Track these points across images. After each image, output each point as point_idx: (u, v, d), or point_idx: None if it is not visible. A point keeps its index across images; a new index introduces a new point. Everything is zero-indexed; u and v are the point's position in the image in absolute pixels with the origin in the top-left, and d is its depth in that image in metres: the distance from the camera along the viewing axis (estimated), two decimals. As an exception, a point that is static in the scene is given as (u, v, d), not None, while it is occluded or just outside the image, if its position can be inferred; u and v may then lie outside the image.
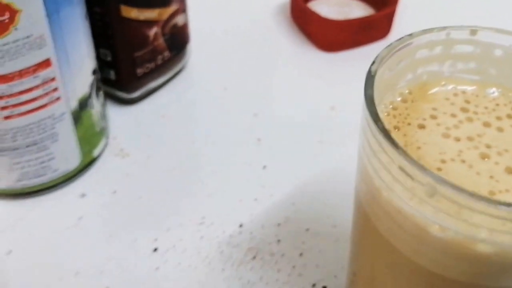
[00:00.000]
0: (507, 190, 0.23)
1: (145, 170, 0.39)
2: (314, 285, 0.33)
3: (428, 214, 0.21)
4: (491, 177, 0.24)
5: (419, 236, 0.23)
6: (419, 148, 0.25)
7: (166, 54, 0.43)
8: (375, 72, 0.24)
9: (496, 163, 0.24)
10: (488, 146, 0.25)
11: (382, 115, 0.26)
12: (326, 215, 0.36)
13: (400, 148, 0.21)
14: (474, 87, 0.28)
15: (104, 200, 0.38)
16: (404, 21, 0.51)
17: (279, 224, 0.36)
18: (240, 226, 0.36)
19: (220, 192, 0.38)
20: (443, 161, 0.24)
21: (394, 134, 0.25)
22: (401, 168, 0.21)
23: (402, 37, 0.26)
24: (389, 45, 0.26)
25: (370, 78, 0.24)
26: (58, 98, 0.34)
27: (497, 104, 0.27)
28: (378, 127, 0.22)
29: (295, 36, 0.51)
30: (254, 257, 0.34)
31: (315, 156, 0.40)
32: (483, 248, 0.21)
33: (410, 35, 0.26)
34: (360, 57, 0.45)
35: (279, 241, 0.35)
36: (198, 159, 0.40)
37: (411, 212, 0.22)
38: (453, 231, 0.21)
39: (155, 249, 0.35)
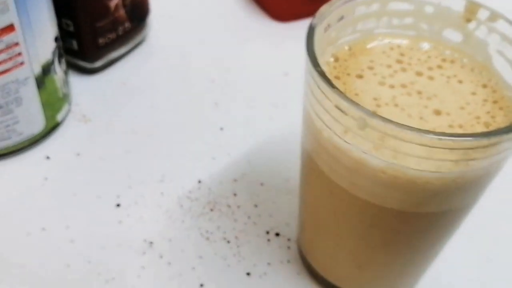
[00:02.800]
0: (434, 129, 0.26)
1: (107, 133, 0.41)
2: (267, 232, 0.36)
3: (362, 147, 0.24)
4: (421, 118, 0.26)
5: (355, 169, 0.25)
6: (357, 94, 0.27)
7: (127, 25, 0.45)
8: (315, 25, 0.26)
9: (426, 106, 0.27)
10: (419, 92, 0.27)
11: (323, 66, 0.28)
12: (279, 171, 0.39)
13: (335, 87, 0.24)
14: (408, 41, 0.30)
15: (68, 162, 0.39)
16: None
17: (235, 180, 0.38)
18: (199, 182, 0.38)
19: (179, 152, 0.40)
20: (378, 105, 0.27)
21: (334, 83, 0.28)
22: (337, 106, 0.24)
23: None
24: (329, 2, 0.28)
25: (310, 31, 0.26)
26: (22, 63, 0.36)
27: (429, 56, 0.30)
28: (317, 71, 0.24)
29: (251, 7, 0.53)
30: (212, 209, 0.37)
31: (269, 118, 0.43)
32: (412, 176, 0.24)
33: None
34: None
35: (235, 194, 0.38)
36: (157, 123, 0.42)
37: (347, 147, 0.25)
38: (384, 161, 0.24)
39: (118, 205, 0.37)
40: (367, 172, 0.25)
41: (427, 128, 0.26)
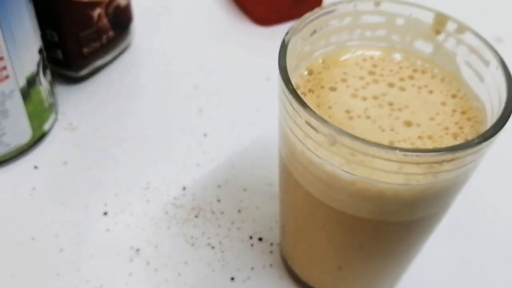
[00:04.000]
0: (404, 140, 0.27)
1: (93, 141, 0.42)
2: (251, 237, 0.37)
3: (333, 161, 0.25)
4: (392, 129, 0.27)
5: (328, 182, 0.26)
6: (330, 107, 0.28)
7: (110, 33, 0.45)
8: (288, 41, 0.27)
9: (397, 117, 0.28)
10: (390, 104, 0.28)
11: (297, 80, 0.29)
12: (262, 176, 0.40)
13: (306, 106, 0.24)
14: (380, 53, 0.31)
15: (56, 171, 0.40)
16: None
17: (219, 186, 0.39)
18: (184, 189, 0.39)
19: (164, 159, 0.41)
20: (351, 118, 0.28)
21: (308, 96, 0.29)
22: (308, 123, 0.25)
23: (314, 10, 0.30)
24: (302, 17, 0.29)
25: (283, 47, 0.27)
26: (7, 76, 0.37)
27: (401, 67, 0.31)
28: (289, 89, 0.25)
29: (233, 12, 0.54)
30: (196, 216, 0.38)
31: (252, 123, 0.44)
32: (382, 189, 0.25)
33: (321, 8, 0.30)
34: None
35: (219, 200, 0.39)
36: (142, 130, 0.43)
37: (320, 162, 0.25)
38: (355, 175, 0.25)
39: (105, 213, 0.38)
40: (339, 185, 0.26)
41: (397, 139, 0.27)
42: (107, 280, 0.35)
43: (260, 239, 0.37)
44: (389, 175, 0.24)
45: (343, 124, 0.27)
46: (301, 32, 0.29)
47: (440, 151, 0.23)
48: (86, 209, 0.38)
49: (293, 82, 0.26)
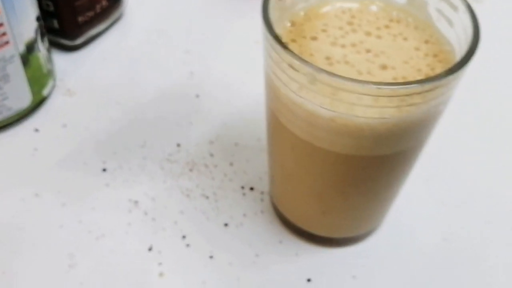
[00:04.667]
0: (389, 82, 0.29)
1: (91, 105, 0.44)
2: (242, 187, 0.39)
3: (314, 100, 0.27)
4: (369, 73, 0.29)
5: (310, 121, 0.28)
6: (311, 55, 0.30)
7: (104, 2, 0.47)
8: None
9: (373, 62, 0.30)
10: (368, 50, 0.31)
11: (281, 31, 0.31)
12: (252, 131, 0.42)
13: (288, 49, 0.27)
14: (358, 5, 0.33)
15: (56, 133, 0.42)
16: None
17: (211, 142, 0.42)
18: (178, 145, 0.41)
19: (159, 119, 0.43)
20: (331, 64, 0.30)
21: (291, 46, 0.31)
22: (290, 65, 0.27)
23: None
24: (283, -27, 0.31)
25: (265, 0, 0.29)
26: (7, 42, 0.39)
27: (377, 18, 0.33)
28: (272, 35, 0.27)
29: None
30: (190, 170, 0.40)
31: (242, 84, 0.46)
32: (359, 123, 0.27)
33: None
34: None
35: (212, 155, 0.41)
36: (138, 94, 0.45)
37: (302, 101, 0.28)
38: (334, 111, 0.27)
39: (104, 169, 0.40)
40: (321, 122, 0.28)
41: (374, 81, 0.29)
42: (108, 230, 0.37)
43: (251, 188, 0.39)
44: (365, 109, 0.26)
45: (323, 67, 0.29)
46: (282, -15, 0.31)
47: (410, 84, 0.25)
48: (86, 166, 0.40)
49: (276, 32, 0.28)
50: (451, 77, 0.26)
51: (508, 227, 0.38)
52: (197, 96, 0.45)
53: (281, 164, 0.34)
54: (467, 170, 0.41)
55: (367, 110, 0.27)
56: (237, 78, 0.46)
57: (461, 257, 0.37)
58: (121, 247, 0.36)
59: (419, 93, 0.26)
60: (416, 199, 0.39)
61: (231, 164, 0.40)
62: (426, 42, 0.31)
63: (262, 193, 0.39)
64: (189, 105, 0.44)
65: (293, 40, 0.31)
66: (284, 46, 0.27)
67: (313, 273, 0.35)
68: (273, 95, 0.30)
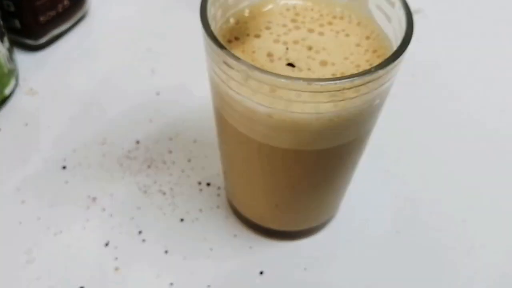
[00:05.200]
0: (319, 78, 0.30)
1: (52, 104, 0.45)
2: (199, 183, 0.40)
3: (252, 97, 0.28)
4: (309, 69, 0.30)
5: (250, 117, 0.29)
6: (254, 52, 0.31)
7: (66, 2, 0.48)
8: (209, -7, 0.30)
9: (314, 59, 0.31)
10: (309, 47, 0.31)
11: (224, 29, 0.32)
12: (211, 128, 0.42)
13: (223, 46, 0.27)
14: (303, 2, 0.34)
15: (17, 132, 0.43)
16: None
17: (170, 139, 0.42)
18: (137, 143, 0.42)
19: (119, 117, 0.44)
20: (272, 60, 0.30)
21: (234, 43, 0.31)
22: (225, 62, 0.27)
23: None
24: (226, -28, 0.32)
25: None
26: (-35, 43, 0.39)
27: (321, 15, 0.33)
28: (208, 33, 0.28)
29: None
30: (149, 166, 0.41)
31: (202, 82, 0.46)
32: (296, 118, 0.28)
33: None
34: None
35: (170, 152, 0.41)
36: (99, 92, 0.46)
37: (241, 98, 0.28)
38: (271, 108, 0.28)
39: (64, 167, 0.41)
40: (259, 118, 0.28)
41: (313, 77, 0.30)
42: (65, 226, 0.38)
43: (208, 184, 0.40)
44: (300, 105, 0.27)
45: (265, 66, 0.30)
46: (225, -16, 0.31)
47: (341, 79, 0.26)
48: (46, 164, 0.41)
49: (220, 30, 0.28)
50: (381, 71, 0.26)
51: (459, 219, 0.39)
52: (158, 93, 0.45)
53: (231, 160, 0.35)
54: (420, 162, 0.42)
55: (303, 106, 0.27)
56: (197, 75, 0.46)
57: (413, 249, 0.37)
58: (78, 242, 0.37)
59: (349, 88, 0.26)
60: (370, 191, 0.40)
61: (189, 160, 0.41)
62: (367, 38, 0.32)
63: (218, 188, 0.40)
64: (150, 103, 0.45)
65: (236, 38, 0.32)
66: (219, 44, 0.27)
67: (265, 266, 0.36)
68: (215, 92, 0.31)
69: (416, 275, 0.36)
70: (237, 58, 0.27)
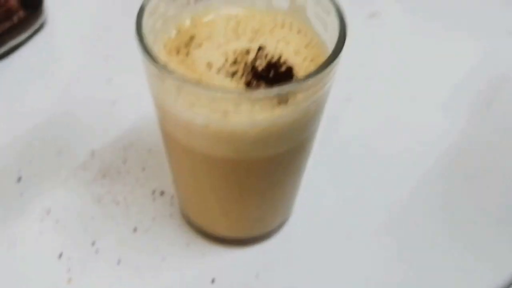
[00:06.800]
0: (249, 90, 0.30)
1: (8, 116, 0.45)
2: (154, 191, 0.40)
3: (186, 109, 0.28)
4: (248, 79, 0.30)
5: (188, 128, 0.29)
6: (193, 61, 0.31)
7: (21, 13, 0.48)
8: (145, 4, 0.30)
9: (253, 68, 0.31)
10: (249, 57, 0.31)
11: (165, 39, 0.32)
12: (165, 136, 0.43)
13: (154, 59, 0.27)
14: (244, 11, 0.34)
15: (-27, 146, 0.43)
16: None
17: (125, 148, 0.42)
18: (92, 153, 0.42)
19: (74, 126, 0.44)
20: (211, 71, 0.30)
21: (173, 54, 0.31)
22: (159, 76, 0.27)
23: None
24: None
25: (140, 11, 0.30)
26: None
27: (263, 24, 0.33)
28: (141, 45, 0.28)
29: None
30: (103, 176, 0.41)
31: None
32: (232, 128, 0.28)
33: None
34: None
35: (125, 161, 0.42)
36: (55, 102, 0.46)
37: (176, 110, 0.28)
38: (204, 117, 0.28)
39: (19, 178, 0.41)
40: (196, 129, 0.29)
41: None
42: (19, 239, 0.38)
43: (162, 193, 0.40)
44: (234, 115, 0.27)
45: (203, 75, 0.30)
46: (164, -4, 0.32)
47: (270, 89, 0.26)
48: (1, 176, 0.41)
49: (161, 41, 0.29)
50: (311, 82, 0.27)
51: (407, 218, 0.39)
52: (113, 102, 0.45)
53: (178, 170, 0.35)
54: (368, 163, 0.42)
55: (236, 116, 0.27)
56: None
57: (364, 251, 0.38)
58: (31, 255, 0.37)
59: (279, 97, 0.27)
60: (320, 194, 0.40)
61: (143, 169, 0.41)
62: (306, 46, 0.32)
63: (172, 197, 0.40)
64: (106, 112, 0.45)
65: (177, 48, 0.32)
66: (151, 57, 0.27)
67: (218, 273, 0.36)
68: (154, 103, 0.31)
69: (369, 276, 0.37)
70: (168, 72, 0.27)
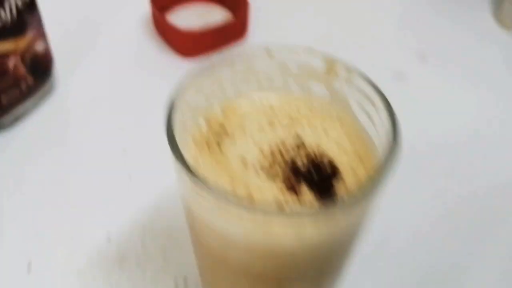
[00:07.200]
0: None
1: (15, 189, 0.42)
2: (176, 279, 0.37)
3: (226, 223, 0.25)
4: (285, 178, 0.27)
5: (225, 242, 0.26)
6: (226, 157, 0.28)
7: (30, 80, 0.45)
8: (175, 100, 0.28)
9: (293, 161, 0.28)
10: (286, 150, 0.29)
11: (195, 132, 0.29)
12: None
13: (194, 175, 0.24)
14: (278, 98, 0.31)
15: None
16: (258, 22, 0.55)
17: (144, 230, 0.39)
18: (108, 235, 0.39)
19: (88, 204, 0.41)
20: (246, 168, 0.28)
21: (204, 148, 0.29)
22: (193, 189, 0.25)
23: (202, 62, 0.30)
24: (191, 72, 0.29)
25: (170, 108, 0.27)
26: None
27: (299, 111, 0.31)
28: (176, 156, 0.25)
29: (159, 46, 0.54)
30: (121, 262, 0.38)
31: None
32: (277, 247, 0.25)
33: (209, 58, 0.30)
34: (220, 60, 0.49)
35: (144, 245, 0.39)
36: (67, 175, 0.43)
37: (217, 224, 0.26)
38: (255, 237, 0.25)
39: (29, 264, 0.38)
40: (233, 243, 0.26)
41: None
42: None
43: (185, 280, 0.37)
44: (279, 233, 0.24)
45: (239, 176, 0.27)
46: (193, 86, 0.29)
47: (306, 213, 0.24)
48: (10, 262, 0.38)
49: (190, 134, 0.26)
50: (368, 195, 0.24)
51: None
52: (130, 176, 0.43)
53: (205, 268, 0.32)
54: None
55: (282, 234, 0.25)
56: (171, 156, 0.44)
57: None
58: None
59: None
60: None
61: (164, 253, 0.38)
62: (349, 137, 0.29)
63: (196, 285, 0.37)
64: (121, 187, 0.42)
65: (207, 143, 0.29)
66: (189, 170, 0.25)
67: None
68: (187, 209, 0.28)
69: None
70: (209, 187, 0.24)
